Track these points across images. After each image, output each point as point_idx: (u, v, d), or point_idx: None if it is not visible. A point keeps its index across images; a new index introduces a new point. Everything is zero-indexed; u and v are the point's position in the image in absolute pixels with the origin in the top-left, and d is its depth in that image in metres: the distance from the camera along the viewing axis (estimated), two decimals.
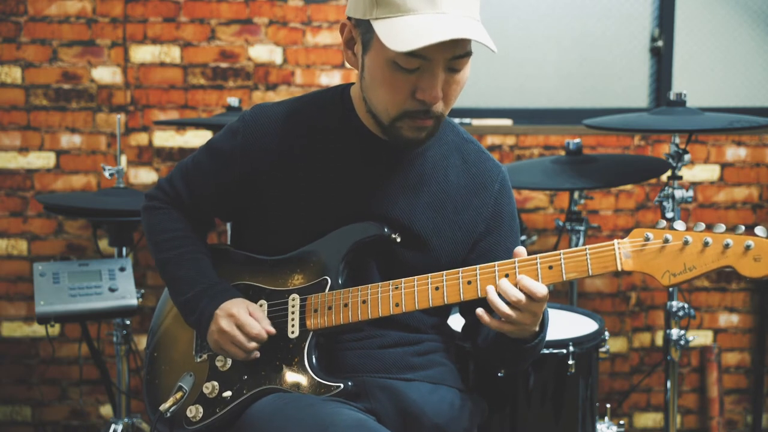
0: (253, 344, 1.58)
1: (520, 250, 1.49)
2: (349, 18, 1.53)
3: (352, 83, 1.68)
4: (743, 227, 1.36)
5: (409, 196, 1.63)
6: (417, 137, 1.54)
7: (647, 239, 1.40)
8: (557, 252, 1.45)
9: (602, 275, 1.43)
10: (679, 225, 1.40)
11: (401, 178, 1.63)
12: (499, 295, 1.45)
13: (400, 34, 1.40)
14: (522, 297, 1.43)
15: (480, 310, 1.47)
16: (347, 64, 3.12)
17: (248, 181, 1.66)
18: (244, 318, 1.58)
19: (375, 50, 1.47)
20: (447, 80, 1.48)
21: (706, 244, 1.36)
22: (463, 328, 1.76)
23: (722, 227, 1.36)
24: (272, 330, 1.59)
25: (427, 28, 1.39)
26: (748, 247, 1.33)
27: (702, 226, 1.39)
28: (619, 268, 1.41)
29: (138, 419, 2.69)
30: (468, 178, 1.67)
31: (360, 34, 1.50)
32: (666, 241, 1.39)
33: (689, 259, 1.37)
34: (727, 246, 1.35)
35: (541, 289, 1.43)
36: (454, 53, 1.44)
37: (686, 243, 1.37)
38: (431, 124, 1.53)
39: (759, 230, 1.34)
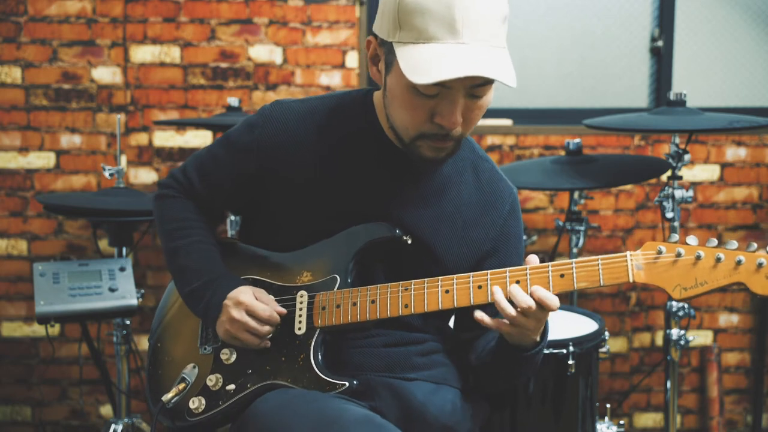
0: (267, 328, 1.58)
1: (533, 258, 1.49)
2: (375, 35, 1.53)
3: (377, 88, 1.67)
4: (756, 245, 1.37)
5: (420, 206, 1.63)
6: (436, 157, 1.54)
7: (660, 252, 1.41)
8: (569, 261, 1.45)
9: (613, 285, 1.44)
10: (692, 240, 1.41)
11: (415, 188, 1.63)
12: (508, 299, 1.46)
13: (418, 64, 1.39)
14: (533, 305, 1.43)
15: (479, 313, 1.48)
16: (346, 65, 3.13)
17: (262, 176, 1.66)
18: (254, 303, 1.58)
19: (395, 73, 1.47)
20: (468, 106, 1.47)
21: (718, 259, 1.37)
22: (460, 344, 1.76)
23: (735, 244, 1.38)
24: (283, 310, 1.60)
25: (447, 60, 1.38)
26: (760, 265, 1.34)
27: (714, 242, 1.40)
28: (631, 280, 1.42)
29: (138, 419, 2.69)
30: (480, 195, 1.68)
31: (384, 54, 1.51)
32: (678, 255, 1.40)
33: (701, 274, 1.38)
34: (739, 263, 1.36)
35: (554, 301, 1.44)
36: (473, 82, 1.43)
37: (699, 258, 1.38)
38: (451, 145, 1.53)
39: None
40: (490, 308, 1.50)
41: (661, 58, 3.31)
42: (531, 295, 1.44)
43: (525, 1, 3.31)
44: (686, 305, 2.53)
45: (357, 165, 1.63)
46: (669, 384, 2.58)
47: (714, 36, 3.34)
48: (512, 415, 2.08)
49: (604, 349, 2.21)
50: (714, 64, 3.35)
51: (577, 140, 2.74)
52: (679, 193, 2.44)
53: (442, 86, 1.43)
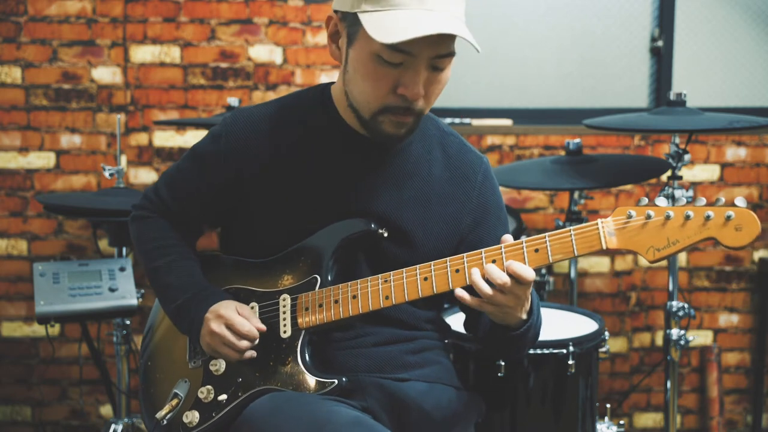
0: (245, 343, 1.58)
1: (507, 237, 1.49)
2: (335, 11, 1.54)
3: (332, 82, 1.69)
4: (723, 199, 1.37)
5: (393, 191, 1.63)
6: (397, 133, 1.54)
7: (630, 216, 1.42)
8: (542, 235, 1.46)
9: (588, 254, 1.44)
10: (661, 201, 1.41)
11: (385, 173, 1.63)
12: (484, 278, 1.45)
13: (386, 26, 1.41)
14: (507, 280, 1.43)
15: (459, 290, 1.47)
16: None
17: (233, 185, 1.66)
18: (234, 317, 1.58)
19: (360, 43, 1.48)
20: (429, 79, 1.49)
21: (687, 217, 1.37)
22: (465, 322, 1.76)
23: (703, 200, 1.38)
24: (263, 327, 1.60)
25: (414, 23, 1.40)
26: (728, 218, 1.35)
27: (683, 201, 1.40)
28: (604, 247, 1.42)
29: (138, 419, 2.69)
30: (450, 170, 1.68)
31: (346, 27, 1.51)
32: (648, 217, 1.40)
33: (672, 233, 1.39)
34: (708, 218, 1.36)
35: (529, 272, 1.44)
36: (438, 52, 1.45)
37: (668, 218, 1.39)
38: (411, 121, 1.54)
39: (739, 200, 1.36)
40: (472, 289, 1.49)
41: (661, 58, 3.31)
42: (506, 270, 1.44)
43: (525, 1, 3.31)
44: (686, 305, 2.53)
45: (324, 160, 1.63)
46: (669, 384, 2.58)
47: (714, 36, 3.34)
48: (512, 415, 2.08)
49: (604, 349, 2.21)
50: (714, 64, 3.35)
51: (577, 140, 2.74)
52: (679, 193, 2.44)
53: (407, 54, 1.43)
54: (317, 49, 3.13)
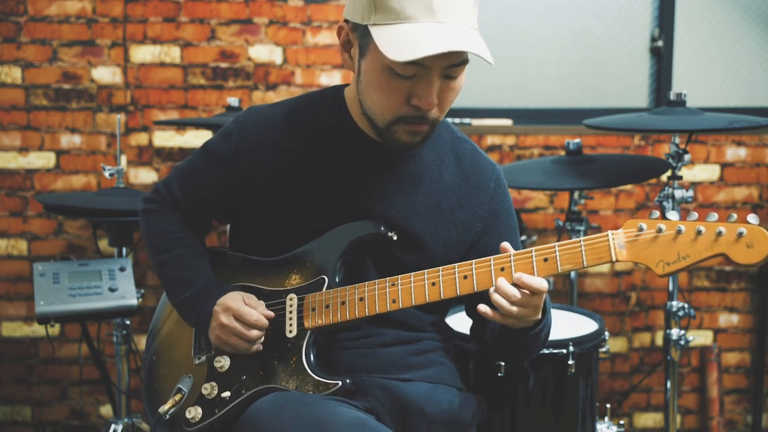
0: (255, 332, 1.59)
1: (506, 245, 1.49)
2: (346, 20, 1.53)
3: (347, 84, 1.68)
4: (735, 216, 1.37)
5: (405, 196, 1.63)
6: (412, 141, 1.55)
7: (641, 229, 1.41)
8: (552, 245, 1.46)
9: (597, 265, 1.44)
10: (672, 215, 1.41)
11: (396, 178, 1.63)
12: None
13: (397, 42, 1.40)
14: (520, 295, 1.43)
15: (483, 307, 1.47)
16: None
17: (244, 182, 1.66)
18: (241, 308, 1.59)
19: (372, 55, 1.48)
20: (443, 87, 1.48)
21: (699, 232, 1.37)
22: (471, 328, 1.76)
23: (715, 216, 1.38)
24: (270, 314, 1.60)
25: (425, 38, 1.39)
26: (740, 234, 1.35)
27: (695, 215, 1.40)
28: (614, 259, 1.42)
29: (138, 419, 2.69)
30: (462, 177, 1.68)
31: (357, 38, 1.51)
32: (659, 230, 1.40)
33: (683, 248, 1.38)
34: (719, 234, 1.36)
35: (541, 283, 1.44)
36: (450, 62, 1.45)
37: (679, 232, 1.38)
38: (426, 129, 1.54)
39: (751, 218, 1.35)
40: (485, 295, 1.49)
41: (661, 58, 3.31)
42: (516, 283, 1.44)
43: (525, 1, 3.31)
44: (686, 305, 2.53)
45: (335, 162, 1.63)
46: (669, 384, 2.58)
47: (714, 36, 3.34)
48: (512, 415, 2.08)
49: (604, 349, 2.21)
50: (714, 64, 3.35)
51: (577, 140, 2.74)
52: (679, 193, 2.44)
53: (420, 66, 1.43)
54: (317, 49, 3.13)
